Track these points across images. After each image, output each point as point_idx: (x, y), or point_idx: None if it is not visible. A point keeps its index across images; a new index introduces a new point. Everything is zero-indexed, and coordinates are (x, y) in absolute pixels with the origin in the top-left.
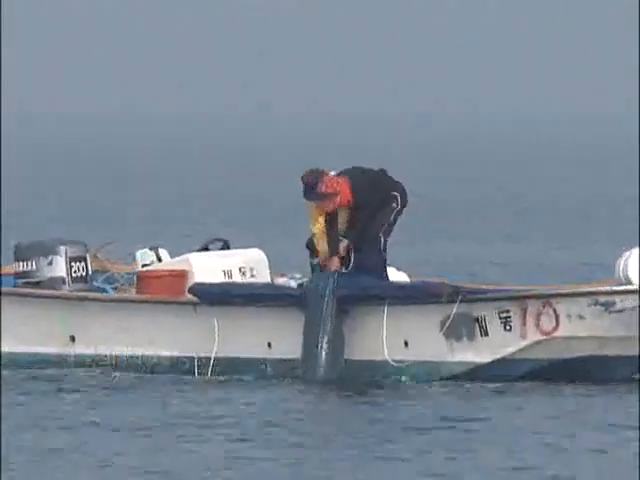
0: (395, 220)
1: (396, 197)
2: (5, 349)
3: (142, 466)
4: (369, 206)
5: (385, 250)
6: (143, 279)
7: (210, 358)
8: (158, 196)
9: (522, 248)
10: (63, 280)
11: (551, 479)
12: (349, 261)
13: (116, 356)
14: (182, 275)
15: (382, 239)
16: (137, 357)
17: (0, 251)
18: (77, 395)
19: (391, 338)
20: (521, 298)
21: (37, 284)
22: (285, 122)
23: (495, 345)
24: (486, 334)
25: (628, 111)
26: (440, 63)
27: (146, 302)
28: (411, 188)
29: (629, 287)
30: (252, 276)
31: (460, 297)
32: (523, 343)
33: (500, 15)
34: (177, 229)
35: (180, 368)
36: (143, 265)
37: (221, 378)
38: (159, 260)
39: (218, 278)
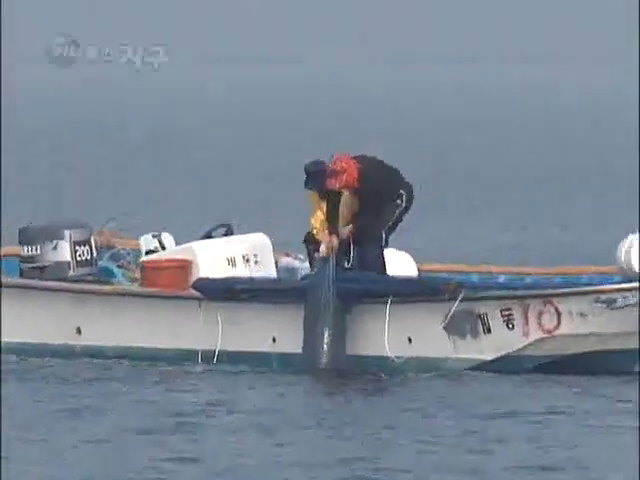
0: (399, 218)
1: (402, 195)
2: (13, 340)
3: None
4: (374, 196)
5: (387, 245)
6: (147, 270)
7: (214, 351)
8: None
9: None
10: (69, 265)
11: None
12: (349, 253)
13: (121, 348)
14: (186, 266)
15: (384, 236)
16: (142, 349)
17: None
18: (81, 385)
19: (394, 334)
20: (523, 297)
21: (43, 269)
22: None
23: (498, 342)
24: (489, 331)
25: None
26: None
27: (151, 297)
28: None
29: (631, 285)
30: (256, 262)
31: (462, 294)
32: (526, 341)
33: None
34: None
35: (184, 362)
36: (147, 252)
37: (225, 372)
38: (162, 248)
39: (222, 267)
